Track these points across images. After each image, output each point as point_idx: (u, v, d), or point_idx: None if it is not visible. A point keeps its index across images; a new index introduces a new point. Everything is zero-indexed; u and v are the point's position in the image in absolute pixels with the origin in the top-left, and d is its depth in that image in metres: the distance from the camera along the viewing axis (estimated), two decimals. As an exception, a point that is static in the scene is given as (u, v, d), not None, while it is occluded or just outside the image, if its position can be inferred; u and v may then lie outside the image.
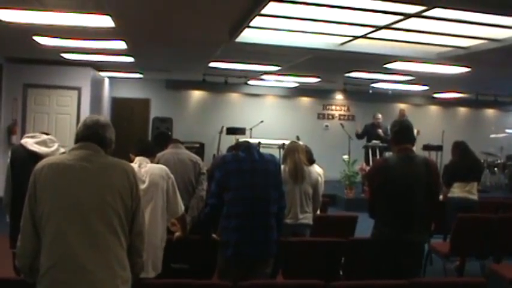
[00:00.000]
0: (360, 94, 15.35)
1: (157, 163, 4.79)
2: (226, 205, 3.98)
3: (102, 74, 13.26)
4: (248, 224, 3.91)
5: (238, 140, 11.97)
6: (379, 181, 4.09)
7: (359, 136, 12.58)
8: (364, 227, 5.79)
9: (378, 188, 4.12)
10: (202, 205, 5.23)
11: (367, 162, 12.07)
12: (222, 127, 14.31)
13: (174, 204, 4.10)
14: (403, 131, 4.21)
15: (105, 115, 13.21)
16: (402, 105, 15.65)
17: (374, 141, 12.16)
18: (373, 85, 13.42)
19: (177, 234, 4.47)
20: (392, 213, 4.06)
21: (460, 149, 7.22)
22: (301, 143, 5.84)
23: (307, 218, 5.35)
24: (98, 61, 10.37)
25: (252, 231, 3.93)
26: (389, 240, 4.05)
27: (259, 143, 12.10)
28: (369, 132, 12.46)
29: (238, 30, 6.43)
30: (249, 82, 14.34)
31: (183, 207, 4.20)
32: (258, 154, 4.11)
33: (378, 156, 11.91)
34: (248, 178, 3.96)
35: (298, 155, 5.34)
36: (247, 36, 7.09)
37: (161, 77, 14.62)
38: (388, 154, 12.22)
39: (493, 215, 6.45)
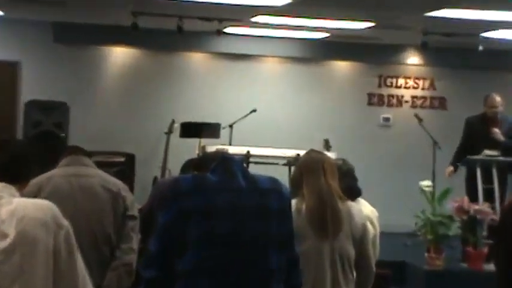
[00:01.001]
0: (458, 54, 15.44)
1: (36, 196, 4.78)
2: (180, 281, 3.99)
3: None
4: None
5: (204, 148, 12.09)
6: None
7: (457, 163, 12.56)
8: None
9: None
10: (130, 282, 5.25)
11: (471, 194, 12.03)
12: (172, 122, 14.41)
13: (70, 281, 4.08)
14: None
15: None
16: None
17: (487, 152, 12.13)
18: (485, 35, 13.57)
19: None
20: None
21: None
22: (331, 154, 5.85)
23: (346, 308, 5.46)
24: None
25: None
26: None
27: (249, 153, 12.30)
28: (475, 133, 12.45)
29: None
30: (227, 30, 14.46)
31: (90, 288, 4.20)
32: (246, 178, 4.14)
33: (495, 183, 11.94)
34: (226, 226, 3.99)
35: (324, 180, 5.41)
36: None
37: (44, 17, 14.73)
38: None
39: None
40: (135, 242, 5.49)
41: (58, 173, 5.63)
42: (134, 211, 5.65)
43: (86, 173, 5.66)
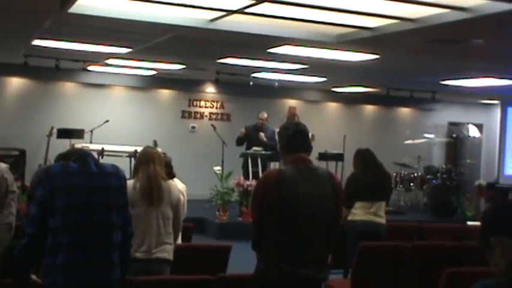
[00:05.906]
0: (238, 87, 15.54)
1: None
2: (51, 235, 3.89)
3: None
4: (81, 260, 3.87)
5: (73, 145, 11.79)
6: (272, 200, 4.10)
7: (240, 141, 12.75)
8: (240, 260, 5.91)
9: (269, 209, 4.12)
10: (11, 236, 5.09)
11: (245, 175, 12.30)
12: (52, 128, 13.93)
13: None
14: (297, 136, 4.32)
15: None
16: (292, 102, 16.03)
17: (255, 148, 12.37)
18: (254, 75, 13.67)
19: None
20: (288, 242, 4.14)
21: (363, 159, 7.43)
22: (159, 149, 5.77)
23: (166, 251, 5.34)
24: None
25: (86, 269, 3.90)
26: (283, 278, 4.11)
27: (103, 149, 12.20)
28: (249, 136, 12.63)
29: (73, -5, 6.27)
30: (90, 68, 14.17)
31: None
32: (96, 165, 4.08)
33: (259, 168, 12.29)
34: (82, 197, 3.92)
35: (153, 167, 5.31)
36: (86, 5, 6.99)
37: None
38: (274, 164, 12.49)
39: (406, 243, 6.63)
40: (14, 208, 5.29)
41: None
42: (14, 187, 5.40)
43: None
